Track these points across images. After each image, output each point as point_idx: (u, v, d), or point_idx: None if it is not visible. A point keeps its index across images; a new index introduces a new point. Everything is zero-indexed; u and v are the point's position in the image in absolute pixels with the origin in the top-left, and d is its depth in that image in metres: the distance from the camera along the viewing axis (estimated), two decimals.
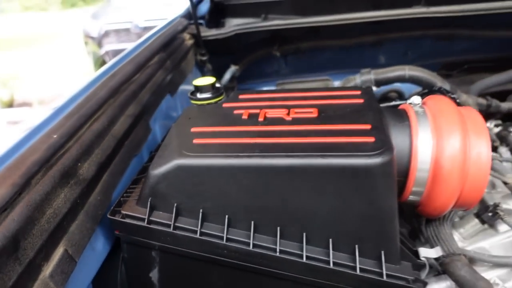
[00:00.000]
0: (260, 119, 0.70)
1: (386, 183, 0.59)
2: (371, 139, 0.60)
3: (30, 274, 0.49)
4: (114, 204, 0.67)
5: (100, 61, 6.15)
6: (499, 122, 1.35)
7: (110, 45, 6.01)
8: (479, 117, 0.69)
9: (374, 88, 1.36)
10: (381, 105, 0.88)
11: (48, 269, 0.52)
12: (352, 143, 0.60)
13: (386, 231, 0.62)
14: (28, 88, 6.34)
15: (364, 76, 1.27)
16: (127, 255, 0.70)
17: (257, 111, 0.72)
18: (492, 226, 0.83)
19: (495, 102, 1.36)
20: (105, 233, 0.69)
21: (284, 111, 0.71)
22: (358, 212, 0.61)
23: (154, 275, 0.71)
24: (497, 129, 1.33)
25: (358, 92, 0.77)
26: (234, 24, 1.25)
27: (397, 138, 0.68)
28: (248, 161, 0.60)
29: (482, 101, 1.34)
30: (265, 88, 1.54)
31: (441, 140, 0.65)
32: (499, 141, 1.28)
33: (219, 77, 1.38)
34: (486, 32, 1.28)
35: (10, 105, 6.09)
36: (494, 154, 1.00)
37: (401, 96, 1.51)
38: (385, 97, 1.52)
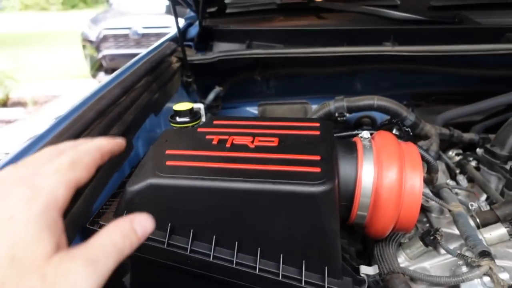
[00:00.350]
0: (228, 145, 0.80)
1: (328, 209, 0.68)
2: (317, 169, 0.70)
3: None
4: (94, 215, 0.75)
5: (97, 65, 6.25)
6: (460, 151, 1.47)
7: (107, 50, 6.12)
8: (416, 153, 0.79)
9: (347, 115, 1.48)
10: (343, 134, 0.98)
11: None
12: (301, 172, 0.70)
13: (329, 249, 0.72)
14: (24, 88, 6.39)
15: (338, 103, 1.38)
16: None
17: (226, 137, 0.82)
18: (435, 248, 0.93)
19: (457, 132, 1.48)
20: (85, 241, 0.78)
21: (250, 138, 0.81)
22: (304, 233, 0.70)
23: (126, 280, 0.80)
24: (457, 158, 1.45)
25: (317, 125, 0.87)
26: (218, 50, 1.35)
27: (345, 168, 0.78)
28: (211, 183, 0.69)
29: (445, 131, 1.46)
30: (248, 108, 1.65)
31: (381, 172, 0.76)
32: (458, 169, 1.40)
33: (204, 96, 1.48)
34: (449, 69, 1.40)
35: (4, 104, 6.13)
36: (444, 183, 1.10)
37: (374, 121, 1.62)
38: (359, 122, 1.64)
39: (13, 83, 6.21)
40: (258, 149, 0.78)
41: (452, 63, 1.38)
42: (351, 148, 0.81)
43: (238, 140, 0.81)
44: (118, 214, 0.74)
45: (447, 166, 1.37)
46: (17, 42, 10.62)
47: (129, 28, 6.01)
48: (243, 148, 0.79)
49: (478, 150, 1.37)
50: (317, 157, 0.74)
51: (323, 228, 0.70)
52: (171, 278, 0.77)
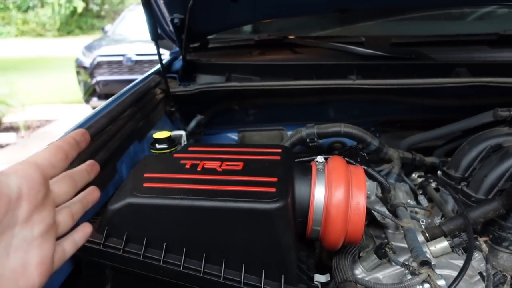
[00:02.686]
0: (199, 168, 0.91)
1: (281, 223, 0.79)
2: (273, 189, 0.81)
3: None
4: None
5: (90, 90, 6.39)
6: (422, 174, 1.59)
7: (101, 76, 6.28)
8: (362, 174, 0.92)
9: (319, 140, 1.61)
10: (305, 159, 1.10)
11: None
12: (259, 192, 0.81)
13: (285, 260, 0.82)
14: (16, 113, 6.49)
15: (309, 130, 1.51)
16: (86, 273, 0.88)
17: (198, 162, 0.94)
18: (389, 261, 1.04)
19: (419, 156, 1.61)
20: None
21: (218, 163, 0.93)
22: (262, 245, 0.81)
23: None
24: (419, 180, 1.57)
25: (279, 150, 0.99)
26: (200, 82, 1.49)
27: (301, 188, 0.90)
28: (181, 202, 0.80)
29: (408, 155, 1.59)
30: (228, 134, 1.78)
31: (331, 191, 0.87)
32: (421, 190, 1.52)
33: (187, 124, 1.60)
34: (408, 99, 1.55)
35: None
36: (400, 202, 1.22)
37: (344, 146, 1.75)
38: (331, 147, 1.77)
39: (6, 108, 6.30)
40: (225, 172, 0.90)
41: (411, 94, 1.53)
42: (307, 171, 0.93)
43: (208, 165, 0.93)
44: (100, 229, 0.84)
45: (410, 187, 1.50)
46: (12, 67, 10.80)
47: (123, 55, 6.21)
48: (212, 171, 0.90)
49: (438, 172, 1.50)
50: (274, 179, 0.85)
51: (278, 240, 0.80)
52: (147, 287, 0.86)
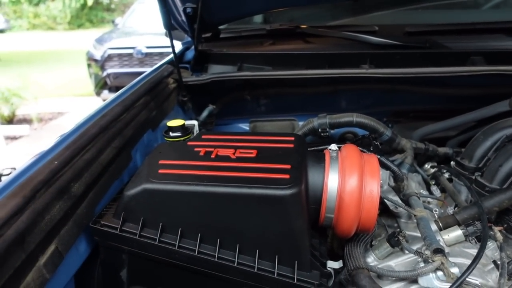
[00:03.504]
0: (213, 156, 0.92)
1: (295, 209, 0.80)
2: (287, 176, 0.82)
3: (30, 261, 0.69)
4: (96, 216, 0.88)
5: (101, 83, 6.44)
6: (435, 164, 1.58)
7: (112, 69, 6.32)
8: (376, 162, 0.91)
9: (331, 131, 1.60)
10: (318, 148, 1.10)
11: (43, 259, 0.72)
12: (273, 178, 0.82)
13: (298, 246, 0.83)
14: (29, 105, 6.59)
15: (321, 120, 1.50)
16: (103, 257, 0.90)
17: (211, 149, 0.94)
18: (401, 249, 1.04)
19: (432, 146, 1.59)
20: (88, 238, 0.89)
21: (232, 150, 0.94)
22: (276, 231, 0.82)
23: (123, 274, 0.91)
24: (432, 170, 1.56)
25: (292, 138, 0.99)
26: (212, 72, 1.49)
27: (314, 176, 0.90)
28: (196, 188, 0.81)
29: (421, 145, 1.57)
30: (240, 125, 1.78)
31: (344, 179, 0.88)
32: (433, 181, 1.51)
33: (199, 114, 1.61)
34: (422, 89, 1.53)
35: (10, 120, 6.31)
36: (413, 191, 1.22)
37: (356, 136, 1.74)
38: (343, 138, 1.76)
39: (19, 101, 6.39)
40: (239, 159, 0.91)
41: (424, 83, 1.51)
42: (320, 159, 0.93)
43: (222, 152, 0.93)
44: (116, 214, 0.86)
45: (423, 177, 1.49)
46: (24, 61, 10.94)
47: (133, 48, 6.23)
48: (226, 158, 0.91)
49: (452, 163, 1.49)
50: (288, 166, 0.86)
51: (291, 226, 0.81)
52: (162, 271, 0.88)
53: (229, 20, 1.75)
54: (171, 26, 1.30)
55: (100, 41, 6.69)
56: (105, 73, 6.30)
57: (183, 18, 1.50)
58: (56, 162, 0.81)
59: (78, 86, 8.21)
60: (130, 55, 6.25)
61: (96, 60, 6.41)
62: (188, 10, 1.44)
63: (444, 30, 1.61)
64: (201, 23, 1.49)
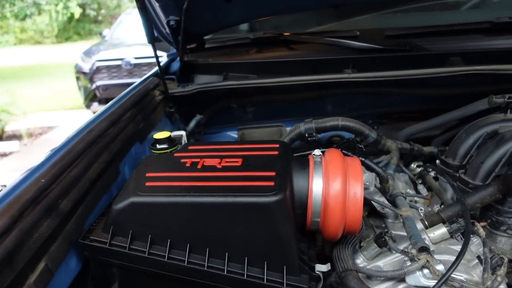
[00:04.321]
0: (199, 166, 0.94)
1: (280, 215, 0.82)
2: (271, 183, 0.84)
3: (20, 280, 0.70)
4: (85, 231, 0.88)
5: (91, 95, 6.43)
6: (421, 163, 1.61)
7: (101, 81, 6.31)
8: (359, 165, 0.94)
9: (318, 135, 1.63)
10: (302, 153, 1.12)
11: (32, 277, 0.73)
12: (258, 186, 0.84)
13: (286, 251, 0.85)
14: (19, 121, 6.54)
15: (307, 125, 1.53)
16: (94, 272, 0.91)
17: (198, 160, 0.96)
18: (389, 249, 1.06)
19: (417, 146, 1.62)
20: (78, 254, 0.90)
21: (218, 160, 0.95)
22: (263, 237, 0.83)
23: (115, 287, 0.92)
24: (418, 170, 1.59)
25: (277, 146, 1.01)
26: (198, 82, 1.51)
27: (299, 181, 0.92)
28: (183, 199, 0.83)
29: (406, 145, 1.60)
30: (228, 133, 1.80)
31: (328, 183, 0.90)
32: (420, 180, 1.54)
33: (187, 124, 1.62)
34: (404, 91, 1.56)
35: (0, 137, 6.25)
36: (398, 192, 1.24)
37: (343, 139, 1.77)
38: (330, 141, 1.79)
39: (8, 117, 6.35)
40: (224, 168, 0.92)
41: (406, 85, 1.55)
42: (304, 164, 0.95)
43: (208, 162, 0.95)
44: (105, 228, 0.86)
45: (410, 177, 1.52)
46: (12, 76, 10.86)
47: (121, 59, 6.23)
48: (212, 168, 0.93)
49: (437, 161, 1.52)
50: (273, 173, 0.88)
51: (278, 232, 0.83)
52: (153, 283, 0.89)
53: (213, 31, 1.78)
54: (154, 39, 1.32)
55: (88, 53, 6.68)
56: (94, 86, 6.29)
57: (167, 30, 1.52)
58: (43, 180, 0.81)
59: (67, 99, 8.17)
60: (118, 66, 6.26)
61: (84, 73, 6.41)
62: (172, 22, 1.46)
63: (423, 33, 1.65)
64: (185, 35, 1.51)
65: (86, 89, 6.46)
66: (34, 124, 6.70)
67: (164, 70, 1.67)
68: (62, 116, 7.26)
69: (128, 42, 6.73)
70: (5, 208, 0.73)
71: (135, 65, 6.26)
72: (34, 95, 8.29)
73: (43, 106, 7.89)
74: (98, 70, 6.31)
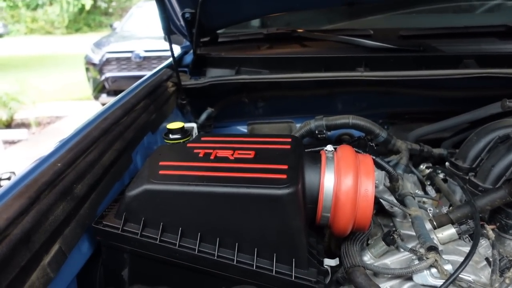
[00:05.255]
0: (212, 157, 0.95)
1: (292, 208, 0.82)
2: (284, 176, 0.84)
3: (35, 260, 0.71)
4: (98, 216, 0.90)
5: (99, 87, 6.47)
6: (430, 165, 1.61)
7: (110, 72, 6.35)
8: (371, 163, 0.94)
9: (328, 132, 1.63)
10: (314, 149, 1.13)
11: (47, 259, 0.74)
12: (270, 178, 0.84)
13: (296, 244, 0.86)
14: (27, 109, 6.60)
15: (318, 122, 1.53)
16: (105, 257, 0.92)
17: (210, 151, 0.97)
18: (397, 248, 1.06)
19: (427, 147, 1.62)
20: (90, 238, 0.91)
21: (230, 152, 0.96)
22: (274, 229, 0.84)
23: (125, 273, 0.93)
24: (427, 171, 1.59)
25: (289, 140, 1.02)
26: (210, 76, 1.52)
27: (311, 176, 0.93)
28: (196, 188, 0.84)
29: (416, 146, 1.60)
30: (238, 127, 1.81)
31: (340, 178, 0.90)
32: (428, 181, 1.54)
33: (198, 117, 1.63)
34: (418, 91, 1.56)
35: (8, 125, 6.31)
36: (408, 191, 1.24)
37: (352, 138, 1.77)
38: (340, 139, 1.79)
39: (17, 105, 6.40)
40: (237, 160, 0.93)
41: (419, 86, 1.54)
42: (316, 159, 0.96)
43: (221, 153, 0.96)
44: (118, 214, 0.88)
45: (418, 178, 1.52)
46: (22, 65, 10.95)
47: (131, 52, 6.26)
48: (225, 159, 0.94)
49: (446, 163, 1.51)
50: (285, 166, 0.88)
51: (289, 225, 0.84)
52: (163, 270, 0.90)
53: (227, 25, 1.78)
54: (170, 31, 1.33)
55: (98, 45, 6.72)
56: (103, 77, 6.32)
57: (182, 23, 1.53)
58: (59, 164, 0.83)
59: (76, 90, 8.22)
60: (128, 59, 6.28)
61: (94, 64, 6.44)
62: (187, 15, 1.47)
63: (437, 34, 1.65)
64: (200, 28, 1.52)
65: (95, 80, 6.50)
66: (42, 113, 6.75)
67: (177, 62, 1.67)
68: (70, 107, 7.31)
69: (138, 35, 6.75)
70: (22, 190, 0.75)
71: (145, 58, 6.28)
72: (43, 84, 8.36)
73: (52, 95, 7.94)
74: (107, 61, 6.34)
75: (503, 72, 1.35)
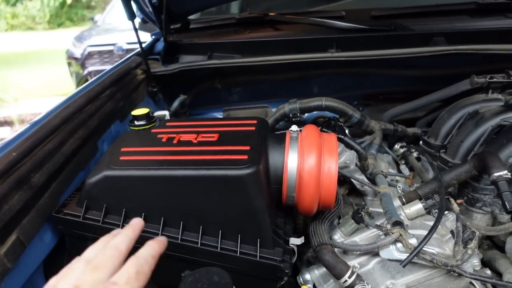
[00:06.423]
0: (175, 141, 0.93)
1: (254, 188, 0.82)
2: (245, 157, 0.84)
3: None
4: (59, 205, 0.88)
5: (82, 81, 6.36)
6: (404, 144, 1.62)
7: (93, 66, 6.24)
8: (334, 141, 0.94)
9: (304, 115, 1.63)
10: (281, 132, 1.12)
11: (3, 249, 0.73)
12: (232, 159, 0.84)
13: (260, 224, 0.85)
14: (10, 107, 6.47)
15: (291, 105, 1.52)
16: (69, 246, 0.91)
17: (174, 135, 0.96)
18: (366, 225, 1.07)
19: (401, 127, 1.63)
20: (54, 228, 0.90)
21: (194, 135, 0.95)
22: (237, 210, 0.84)
23: None
24: (402, 150, 1.60)
25: (254, 122, 1.01)
26: (179, 62, 1.50)
27: (275, 156, 0.92)
28: (156, 172, 0.83)
29: (390, 126, 1.61)
30: (214, 114, 1.79)
31: (303, 158, 0.90)
32: (403, 160, 1.55)
33: (170, 104, 1.61)
34: (390, 71, 1.56)
35: None
36: (379, 170, 1.25)
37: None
38: (315, 122, 1.79)
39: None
40: (200, 143, 0.92)
41: (390, 65, 1.55)
42: (281, 140, 0.95)
43: (184, 137, 0.95)
44: (79, 202, 0.87)
45: (392, 157, 1.53)
46: (3, 62, 10.70)
47: (113, 44, 6.15)
48: (188, 143, 0.93)
49: (420, 142, 1.53)
50: (247, 147, 0.88)
51: (251, 205, 0.83)
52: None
53: (197, 10, 1.75)
54: (133, 15, 1.30)
55: (79, 39, 6.58)
56: (86, 71, 6.21)
57: (150, 9, 1.50)
58: (14, 154, 0.81)
59: (59, 85, 8.08)
60: (110, 51, 6.17)
61: (76, 59, 6.32)
62: (154, 1, 1.44)
63: (408, 13, 1.64)
64: (168, 14, 1.49)
65: (78, 75, 6.39)
66: (25, 111, 6.63)
67: (148, 50, 1.65)
68: (54, 103, 7.19)
69: (121, 27, 6.63)
70: None
71: (127, 50, 6.18)
72: (26, 81, 8.19)
73: (35, 92, 7.80)
74: (89, 55, 6.24)
75: (470, 48, 1.36)
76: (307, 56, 1.40)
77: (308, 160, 0.89)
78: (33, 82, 8.45)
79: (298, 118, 1.55)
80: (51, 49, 12.00)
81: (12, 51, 12.60)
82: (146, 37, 1.79)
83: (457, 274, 0.90)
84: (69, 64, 6.57)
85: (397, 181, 1.36)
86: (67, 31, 14.75)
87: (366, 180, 1.19)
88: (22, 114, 6.50)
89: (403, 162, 1.53)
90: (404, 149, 1.58)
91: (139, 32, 1.52)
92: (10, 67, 9.80)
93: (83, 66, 6.25)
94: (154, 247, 0.63)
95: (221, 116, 1.77)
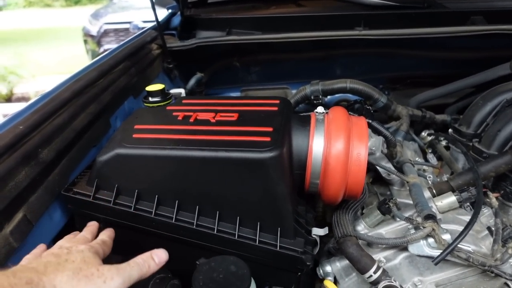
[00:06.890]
0: (191, 120, 0.87)
1: (276, 173, 0.75)
2: (267, 139, 0.77)
3: None
4: (69, 183, 0.83)
5: None
6: (432, 132, 1.52)
7: (108, 44, 6.20)
8: (364, 125, 0.86)
9: (324, 98, 1.54)
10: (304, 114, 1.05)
11: (9, 227, 0.69)
12: (253, 141, 0.77)
13: (281, 212, 0.79)
14: (27, 83, 6.51)
15: (313, 87, 1.44)
16: (78, 226, 0.86)
17: (191, 113, 0.89)
18: (393, 216, 1.00)
19: (429, 114, 1.53)
20: (63, 207, 0.86)
21: (212, 114, 0.88)
22: (257, 196, 0.77)
23: None
24: (429, 138, 1.50)
25: (277, 101, 0.94)
26: (196, 37, 1.42)
27: (298, 139, 0.85)
28: (171, 152, 0.77)
29: (418, 112, 1.52)
30: (231, 94, 1.72)
31: (330, 142, 0.82)
32: (430, 149, 1.46)
33: (187, 82, 1.54)
34: (421, 53, 1.45)
35: (8, 99, 6.25)
36: (407, 158, 1.17)
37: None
38: (338, 105, 1.70)
39: (16, 79, 6.32)
40: (218, 123, 0.85)
41: (422, 46, 1.44)
42: (305, 122, 0.87)
43: (201, 116, 0.88)
44: (90, 181, 0.81)
45: (419, 145, 1.44)
46: (21, 39, 10.75)
47: (129, 22, 6.09)
48: (205, 122, 0.86)
49: (450, 130, 1.43)
50: (270, 129, 0.81)
51: (273, 191, 0.77)
52: (139, 240, 0.84)
53: None
54: None
55: (95, 16, 6.53)
56: (101, 49, 6.18)
57: None
58: (21, 127, 0.76)
59: (75, 63, 8.08)
60: (126, 30, 6.11)
61: (92, 36, 6.29)
62: None
63: None
64: None
65: (94, 53, 6.37)
66: (42, 87, 6.67)
67: (165, 25, 1.57)
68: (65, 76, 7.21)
69: (137, 5, 6.55)
70: None
71: (143, 28, 6.11)
72: (43, 58, 8.22)
73: (52, 69, 7.83)
74: (105, 33, 6.19)
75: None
76: (332, 34, 1.31)
77: (335, 145, 0.82)
78: (50, 59, 8.48)
79: (320, 101, 1.47)
80: (68, 26, 12.00)
81: (30, 27, 12.65)
82: (163, 14, 1.71)
83: (493, 275, 0.82)
84: (85, 41, 6.55)
85: (424, 170, 1.28)
86: (84, 9, 14.72)
87: (393, 168, 1.11)
88: (39, 90, 6.54)
89: (430, 151, 1.44)
90: (432, 137, 1.48)
91: (164, 12, 1.45)
92: (28, 44, 9.85)
93: (99, 43, 6.21)
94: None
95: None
